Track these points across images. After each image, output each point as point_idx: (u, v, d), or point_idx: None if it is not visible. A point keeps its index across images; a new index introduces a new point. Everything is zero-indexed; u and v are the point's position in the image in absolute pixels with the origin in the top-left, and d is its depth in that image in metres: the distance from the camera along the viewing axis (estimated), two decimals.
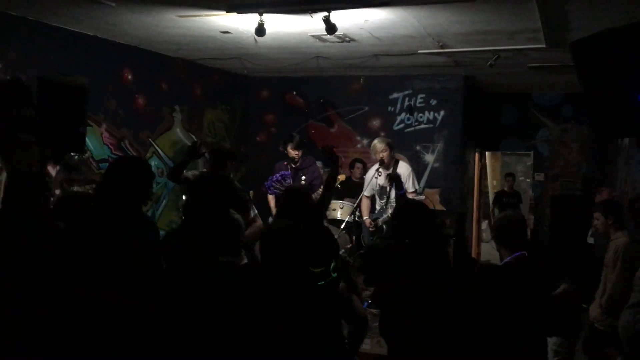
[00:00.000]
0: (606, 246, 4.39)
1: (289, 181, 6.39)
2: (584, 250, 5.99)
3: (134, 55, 6.45)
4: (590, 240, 5.91)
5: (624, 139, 6.83)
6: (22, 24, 5.13)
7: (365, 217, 6.21)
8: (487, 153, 11.38)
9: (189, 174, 4.69)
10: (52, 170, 5.41)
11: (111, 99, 6.21)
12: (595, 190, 7.14)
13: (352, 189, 6.95)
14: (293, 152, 6.38)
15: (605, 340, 4.17)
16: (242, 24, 5.07)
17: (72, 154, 5.50)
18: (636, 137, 3.65)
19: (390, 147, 6.09)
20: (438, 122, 8.00)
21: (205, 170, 6.45)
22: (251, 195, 6.36)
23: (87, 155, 5.85)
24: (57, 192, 5.44)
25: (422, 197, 6.13)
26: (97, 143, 6.04)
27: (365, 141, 8.17)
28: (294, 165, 6.46)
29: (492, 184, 13.74)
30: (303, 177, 6.42)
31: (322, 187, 6.30)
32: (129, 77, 6.46)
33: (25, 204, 3.29)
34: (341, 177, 6.98)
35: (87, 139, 5.43)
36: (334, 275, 3.47)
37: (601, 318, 4.23)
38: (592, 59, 3.50)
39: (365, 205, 6.22)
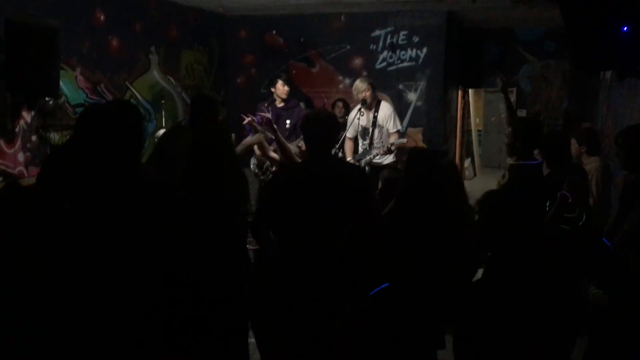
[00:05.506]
0: None
1: None
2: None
3: None
4: None
5: (605, 73, 6.80)
6: None
7: (348, 159, 6.20)
8: (470, 90, 11.32)
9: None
10: (27, 116, 5.28)
11: (84, 41, 5.99)
12: (577, 125, 7.17)
13: None
14: (283, 89, 6.27)
15: None
16: None
17: (46, 99, 5.36)
18: (618, 69, 3.63)
19: (373, 86, 6.02)
20: (420, 60, 7.89)
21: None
22: (233, 139, 6.24)
23: (62, 100, 5.69)
24: (34, 138, 5.34)
25: (404, 140, 6.10)
26: (71, 87, 5.87)
27: (347, 81, 8.06)
28: (277, 106, 6.37)
29: (475, 121, 13.76)
30: (288, 121, 6.34)
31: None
32: (101, 18, 6.22)
33: None
34: None
35: (61, 84, 5.28)
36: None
37: None
38: None
39: (348, 146, 6.20)
